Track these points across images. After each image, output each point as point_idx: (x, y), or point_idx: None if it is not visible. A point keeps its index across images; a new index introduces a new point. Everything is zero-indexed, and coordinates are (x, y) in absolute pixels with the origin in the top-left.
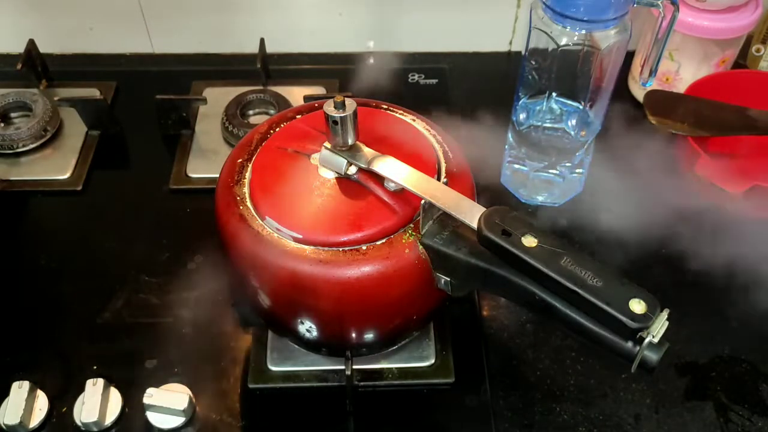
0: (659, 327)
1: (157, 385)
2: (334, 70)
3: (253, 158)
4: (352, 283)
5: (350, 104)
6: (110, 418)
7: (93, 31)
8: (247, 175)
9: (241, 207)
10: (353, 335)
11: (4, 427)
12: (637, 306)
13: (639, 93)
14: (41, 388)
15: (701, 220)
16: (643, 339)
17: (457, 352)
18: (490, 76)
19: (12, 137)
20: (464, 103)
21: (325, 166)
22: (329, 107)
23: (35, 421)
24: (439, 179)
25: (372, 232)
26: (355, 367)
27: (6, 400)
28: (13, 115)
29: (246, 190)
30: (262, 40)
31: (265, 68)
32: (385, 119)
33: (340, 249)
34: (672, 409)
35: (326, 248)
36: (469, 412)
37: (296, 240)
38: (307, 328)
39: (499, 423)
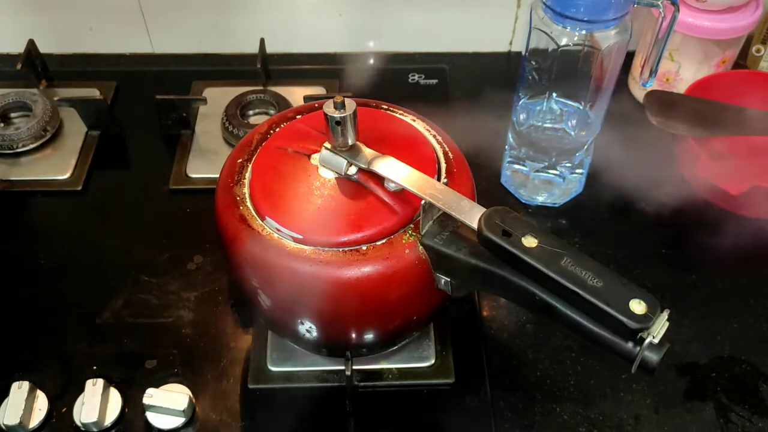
0: (659, 327)
1: (157, 385)
2: (334, 70)
3: (253, 158)
4: (352, 284)
5: (350, 104)
6: (110, 418)
7: (93, 31)
8: (247, 175)
9: (241, 207)
10: (353, 336)
11: (3, 427)
12: (638, 306)
13: (639, 93)
14: (41, 388)
15: (701, 220)
16: (644, 339)
17: (457, 353)
18: (490, 76)
19: (12, 137)
20: (464, 103)
21: (325, 167)
22: (329, 107)
23: (35, 421)
24: (439, 179)
25: (372, 232)
26: (355, 367)
27: (6, 400)
28: (12, 115)
29: (246, 190)
30: (262, 40)
31: (265, 68)
32: (385, 119)
33: (340, 249)
34: (672, 409)
35: (326, 248)
36: (469, 412)
37: (296, 240)
38: (307, 328)
39: (499, 423)
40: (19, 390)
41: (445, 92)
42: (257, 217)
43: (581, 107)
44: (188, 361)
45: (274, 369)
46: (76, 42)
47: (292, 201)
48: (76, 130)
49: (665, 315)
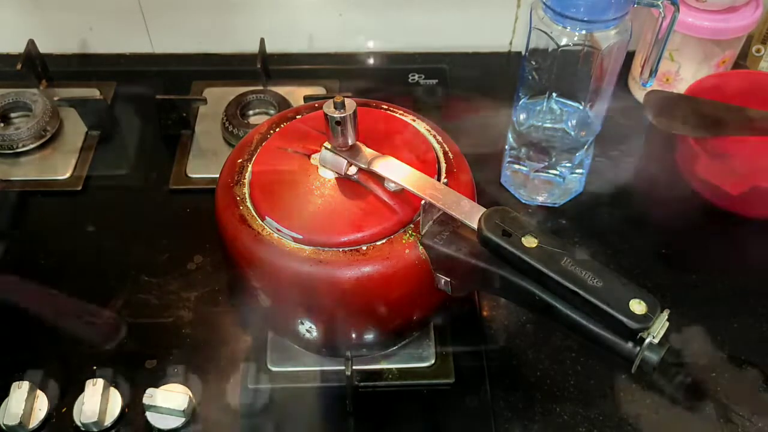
0: (659, 328)
1: (157, 385)
2: (334, 71)
3: (253, 158)
4: (352, 284)
5: (350, 104)
6: (110, 418)
7: (92, 31)
8: (247, 175)
9: (241, 207)
10: (353, 335)
11: (3, 427)
12: (638, 306)
13: (639, 93)
14: (41, 389)
15: (701, 221)
16: (644, 340)
17: (457, 353)
18: (490, 76)
19: (12, 137)
20: (464, 103)
21: (325, 167)
22: (329, 108)
23: (35, 421)
24: (439, 179)
25: (372, 232)
26: (355, 367)
27: (6, 400)
28: (12, 115)
29: (246, 190)
30: (262, 40)
31: (265, 68)
32: (385, 119)
33: (340, 249)
34: (672, 409)
35: (326, 248)
36: (469, 412)
37: (296, 240)
38: (307, 328)
39: (499, 423)
40: (19, 390)
41: (445, 92)
42: (257, 217)
43: (581, 107)
44: (188, 361)
45: (274, 369)
46: (75, 42)
47: (292, 201)
48: (75, 130)
49: (665, 315)
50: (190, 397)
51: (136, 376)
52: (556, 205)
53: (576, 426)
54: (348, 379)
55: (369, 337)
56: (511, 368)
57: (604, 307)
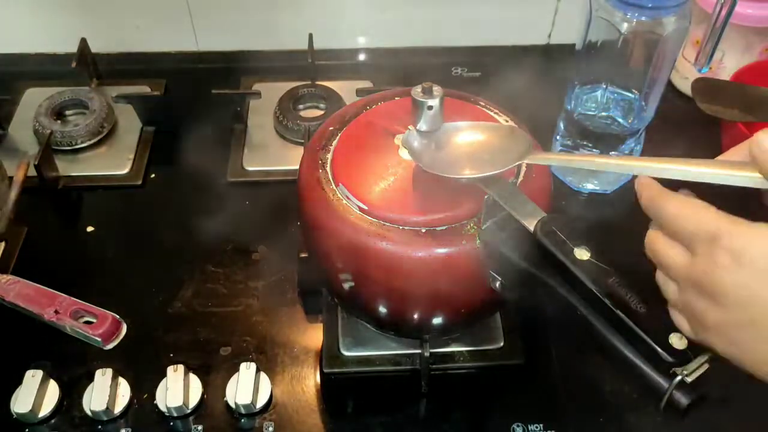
0: (696, 367)
1: (234, 371)
2: (378, 65)
3: (344, 129)
4: (403, 261)
5: (438, 91)
6: (193, 402)
7: (139, 30)
8: (334, 143)
9: (320, 171)
10: (399, 312)
11: (86, 414)
12: (678, 342)
13: (681, 83)
14: (122, 376)
15: (752, 205)
16: (676, 375)
17: (524, 335)
18: (532, 69)
19: (71, 134)
20: (508, 94)
21: (405, 148)
22: (417, 92)
23: (119, 407)
24: (516, 179)
25: (434, 217)
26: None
27: (90, 386)
28: (68, 112)
29: (329, 156)
30: (310, 36)
31: (314, 63)
32: (473, 113)
33: (399, 227)
34: None
35: (387, 224)
36: (539, 393)
37: (361, 210)
38: (355, 293)
39: (569, 403)
40: (103, 377)
41: (489, 84)
42: (332, 182)
43: (635, 96)
44: (262, 348)
45: (347, 354)
46: (122, 41)
47: (367, 174)
48: (130, 126)
49: (705, 357)
50: (268, 381)
51: (212, 362)
52: (607, 192)
53: (646, 406)
54: (425, 360)
55: (414, 317)
56: (577, 350)
57: (642, 333)
